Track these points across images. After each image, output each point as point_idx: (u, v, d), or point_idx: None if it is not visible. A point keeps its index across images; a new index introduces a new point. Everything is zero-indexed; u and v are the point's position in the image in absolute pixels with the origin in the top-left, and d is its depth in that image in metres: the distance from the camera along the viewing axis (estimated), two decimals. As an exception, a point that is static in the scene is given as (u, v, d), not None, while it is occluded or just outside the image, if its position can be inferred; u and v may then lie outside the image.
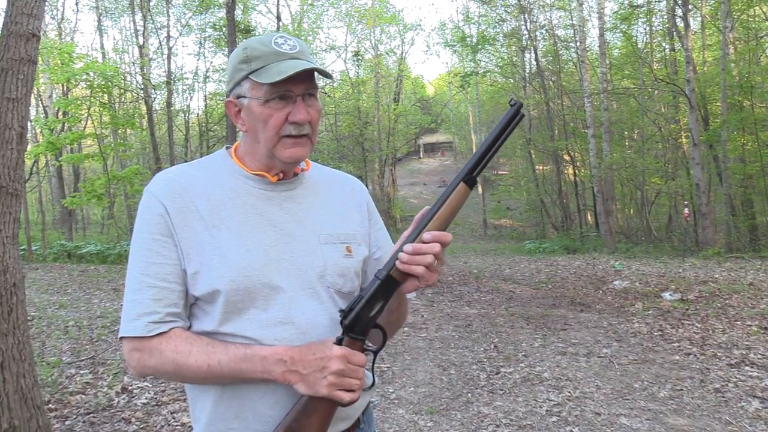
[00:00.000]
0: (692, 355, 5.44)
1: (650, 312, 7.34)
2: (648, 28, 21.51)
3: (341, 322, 1.13)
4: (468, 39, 27.30)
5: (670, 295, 8.31)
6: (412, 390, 4.71)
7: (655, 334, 6.27)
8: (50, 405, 4.31)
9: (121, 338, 1.14)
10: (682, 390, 4.48)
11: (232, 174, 1.23)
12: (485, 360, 5.51)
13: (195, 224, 1.14)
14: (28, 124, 3.25)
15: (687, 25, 14.60)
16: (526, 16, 22.95)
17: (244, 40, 1.23)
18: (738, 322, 6.55)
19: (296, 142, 1.18)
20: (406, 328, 6.83)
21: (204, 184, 1.20)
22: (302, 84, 1.17)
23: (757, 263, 11.35)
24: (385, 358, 5.63)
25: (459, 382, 4.87)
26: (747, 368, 4.94)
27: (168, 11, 21.70)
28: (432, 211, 1.14)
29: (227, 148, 1.31)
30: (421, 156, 57.25)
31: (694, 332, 6.24)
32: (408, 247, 1.10)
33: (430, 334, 6.62)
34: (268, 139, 1.17)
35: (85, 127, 18.73)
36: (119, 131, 21.80)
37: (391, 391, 4.70)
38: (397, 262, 1.11)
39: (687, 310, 7.34)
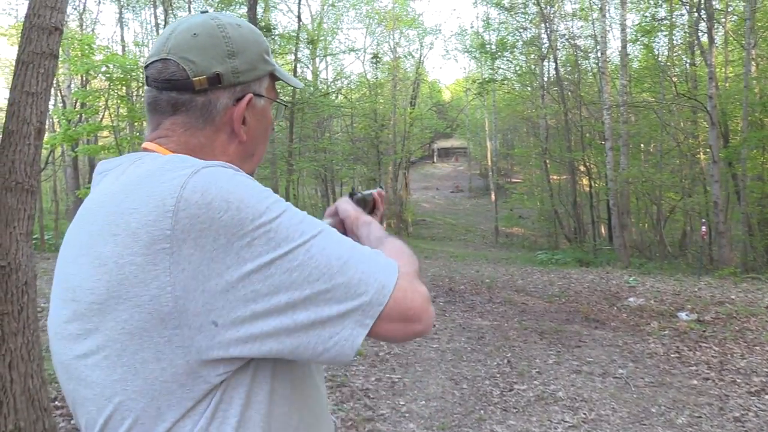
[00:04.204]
0: (710, 380, 5.31)
1: (666, 332, 7.19)
2: (669, 42, 21.32)
3: None
4: (487, 45, 27.21)
5: (687, 315, 8.15)
6: (424, 404, 4.62)
7: (672, 356, 6.13)
8: (57, 402, 4.26)
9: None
10: (700, 417, 4.36)
11: None
12: (498, 375, 5.40)
13: None
14: (48, 113, 3.21)
15: (711, 40, 14.40)
16: (547, 24, 22.79)
17: (249, 25, 1.02)
18: (757, 347, 6.39)
19: None
20: (417, 338, 6.72)
21: None
22: None
23: (774, 285, 11.13)
24: (396, 368, 5.54)
25: (471, 398, 4.77)
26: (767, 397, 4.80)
27: (189, 6, 21.75)
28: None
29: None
30: (435, 160, 57.19)
31: (712, 356, 6.09)
32: None
33: (442, 345, 6.52)
34: (262, 154, 1.03)
35: (102, 119, 18.77)
36: (136, 124, 21.86)
37: (402, 403, 4.61)
38: None
39: (704, 332, 7.18)
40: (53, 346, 0.87)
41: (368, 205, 1.41)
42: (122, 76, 15.39)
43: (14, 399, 2.79)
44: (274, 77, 1.02)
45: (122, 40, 24.78)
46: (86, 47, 14.43)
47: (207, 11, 1.00)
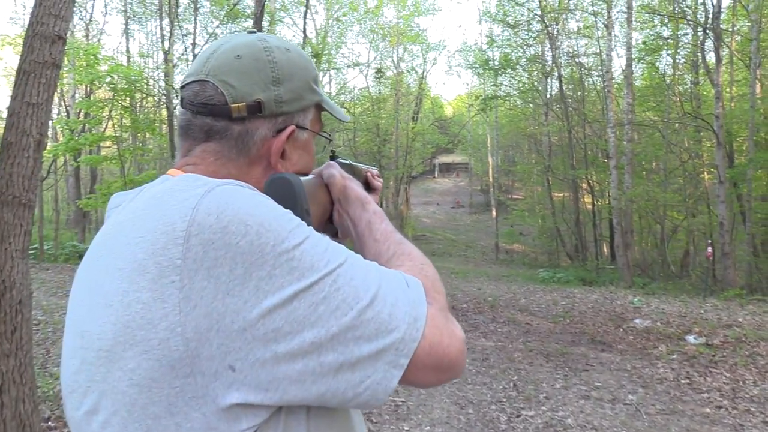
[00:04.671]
0: (723, 408, 5.16)
1: (675, 356, 7.04)
2: (673, 61, 21.32)
3: None
4: (491, 62, 27.24)
5: (695, 338, 8.00)
6: (429, 429, 4.47)
7: (683, 381, 5.98)
8: (50, 423, 4.11)
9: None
10: (716, 449, 4.21)
11: None
12: (504, 400, 5.25)
13: None
14: (49, 124, 3.10)
15: (718, 60, 14.36)
16: (551, 42, 22.81)
17: (299, 49, 0.92)
18: (769, 374, 6.24)
19: None
20: (420, 358, 6.58)
21: None
22: None
23: (781, 308, 10.99)
24: (399, 391, 5.38)
25: (478, 424, 4.62)
26: (784, 428, 4.65)
27: (195, 19, 21.79)
28: None
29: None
30: (436, 176, 57.20)
31: (724, 382, 5.94)
32: None
33: (445, 366, 6.36)
34: None
35: (105, 130, 18.74)
36: (139, 135, 21.82)
37: (406, 428, 4.46)
38: None
39: (714, 356, 7.03)
40: (64, 399, 0.75)
41: (357, 179, 1.12)
42: (126, 86, 15.37)
43: (4, 425, 2.65)
44: (320, 108, 0.94)
45: (127, 50, 24.80)
46: (91, 57, 14.40)
47: (255, 31, 0.90)
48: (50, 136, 20.81)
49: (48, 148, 17.63)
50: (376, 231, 0.93)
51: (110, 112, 17.05)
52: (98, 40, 23.22)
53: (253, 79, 0.82)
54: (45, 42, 2.89)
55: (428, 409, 4.93)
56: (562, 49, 24.00)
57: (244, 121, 0.82)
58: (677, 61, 21.16)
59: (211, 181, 0.70)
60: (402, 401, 5.10)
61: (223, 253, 0.63)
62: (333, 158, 1.09)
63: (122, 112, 16.62)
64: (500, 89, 27.27)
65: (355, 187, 1.00)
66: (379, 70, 31.06)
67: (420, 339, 0.71)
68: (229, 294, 0.63)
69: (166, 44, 19.50)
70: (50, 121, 20.96)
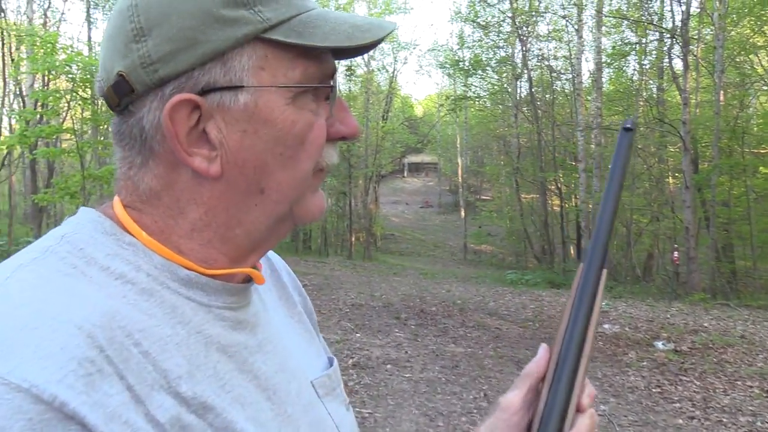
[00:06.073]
0: (696, 419, 5.08)
1: (645, 363, 6.98)
2: (639, 66, 21.59)
3: None
4: (461, 62, 27.23)
5: (663, 344, 7.97)
6: (397, 444, 4.27)
7: (654, 390, 5.90)
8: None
9: None
10: (692, 464, 4.10)
11: (153, 282, 0.55)
12: (475, 411, 5.08)
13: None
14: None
15: (686, 66, 14.51)
16: (522, 44, 22.87)
17: None
18: (738, 382, 6.21)
19: (323, 180, 0.64)
20: (388, 366, 6.38)
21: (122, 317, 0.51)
22: (333, 59, 0.61)
23: (744, 312, 11.12)
24: (366, 401, 5.17)
25: (448, 438, 4.44)
26: (758, 440, 4.58)
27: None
28: (578, 334, 0.60)
29: (96, 210, 0.60)
30: (405, 175, 57.21)
31: (695, 391, 5.88)
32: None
33: (414, 374, 6.17)
34: (300, 181, 0.59)
35: (63, 121, 18.06)
36: (100, 128, 21.15)
37: (373, 444, 4.25)
38: None
39: (683, 363, 6.99)
40: None
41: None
42: (87, 77, 14.80)
43: None
44: (277, 42, 0.55)
45: (89, 39, 23.98)
46: (48, 45, 13.81)
47: None
48: (5, 127, 20.05)
49: (1, 139, 16.93)
50: None
51: (68, 103, 16.41)
52: (57, 28, 22.44)
53: (115, 45, 0.56)
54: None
55: (396, 422, 4.72)
56: (533, 51, 24.10)
57: (128, 110, 0.56)
58: (644, 66, 21.43)
59: (18, 260, 0.52)
60: (369, 413, 4.89)
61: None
62: None
63: (81, 103, 16.01)
64: (470, 90, 27.32)
65: None
66: (349, 68, 30.74)
67: None
68: None
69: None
70: (4, 112, 20.15)
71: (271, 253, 0.79)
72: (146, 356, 0.49)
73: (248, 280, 0.64)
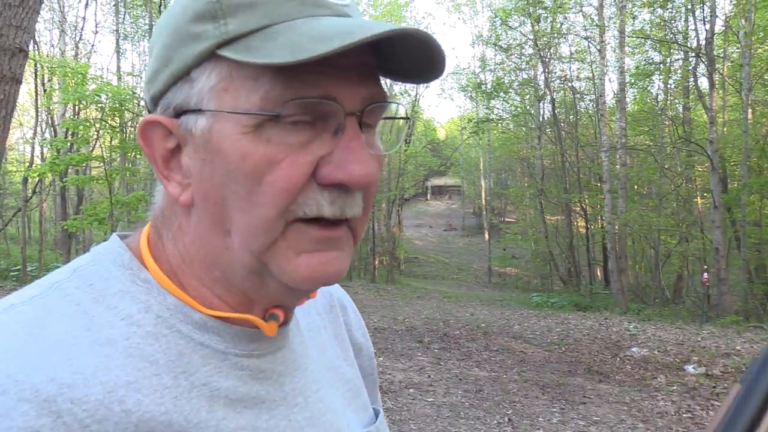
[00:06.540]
0: (729, 446, 4.90)
1: (675, 388, 6.79)
2: (665, 86, 21.41)
3: None
4: (483, 85, 27.30)
5: (694, 368, 7.76)
6: (419, 470, 4.19)
7: (684, 415, 5.73)
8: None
9: None
10: (725, 493, 3.94)
11: (162, 324, 0.52)
12: (499, 436, 4.99)
13: None
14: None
15: (712, 85, 14.35)
16: (544, 66, 22.87)
17: None
18: (773, 408, 6.00)
19: (329, 238, 0.51)
20: (411, 390, 6.31)
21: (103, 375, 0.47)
22: (362, 85, 0.50)
23: (779, 335, 10.79)
24: (388, 426, 5.10)
25: (471, 464, 4.35)
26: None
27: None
28: None
29: (122, 239, 0.58)
30: (428, 198, 57.19)
31: (727, 417, 5.69)
32: None
33: (437, 399, 6.09)
34: (260, 229, 0.49)
35: (93, 150, 18.49)
36: (128, 155, 21.62)
37: (394, 470, 4.18)
38: None
39: (714, 387, 6.79)
40: None
41: None
42: (116, 106, 15.17)
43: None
44: (235, 61, 0.47)
45: (118, 70, 24.67)
46: (79, 76, 14.23)
47: None
48: (38, 155, 20.58)
49: (33, 167, 17.38)
50: None
51: (98, 131, 16.82)
52: (88, 59, 23.08)
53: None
54: (4, 55, 2.67)
55: (418, 447, 4.66)
56: (555, 73, 24.07)
57: None
58: (669, 86, 21.25)
59: (6, 300, 0.50)
60: (391, 438, 4.82)
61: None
62: None
63: (110, 131, 16.40)
64: (493, 112, 27.31)
65: None
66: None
67: None
68: None
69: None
70: (37, 140, 20.67)
71: (336, 287, 0.74)
72: (129, 414, 0.46)
73: (285, 322, 0.59)
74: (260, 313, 0.55)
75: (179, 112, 0.51)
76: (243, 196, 0.48)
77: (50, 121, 20.79)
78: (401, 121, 0.59)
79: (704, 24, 15.57)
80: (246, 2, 0.47)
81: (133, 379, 0.47)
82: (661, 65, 19.01)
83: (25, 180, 17.60)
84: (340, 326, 0.72)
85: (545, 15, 21.51)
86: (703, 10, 15.69)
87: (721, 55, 17.91)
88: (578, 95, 23.93)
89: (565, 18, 22.47)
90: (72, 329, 0.47)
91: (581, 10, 21.47)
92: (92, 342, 0.47)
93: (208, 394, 0.51)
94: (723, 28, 17.34)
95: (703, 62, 14.94)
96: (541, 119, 25.98)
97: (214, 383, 0.51)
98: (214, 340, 0.53)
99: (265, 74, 0.47)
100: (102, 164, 16.31)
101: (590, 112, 23.76)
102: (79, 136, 15.73)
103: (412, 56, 0.49)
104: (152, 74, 0.53)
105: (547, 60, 22.62)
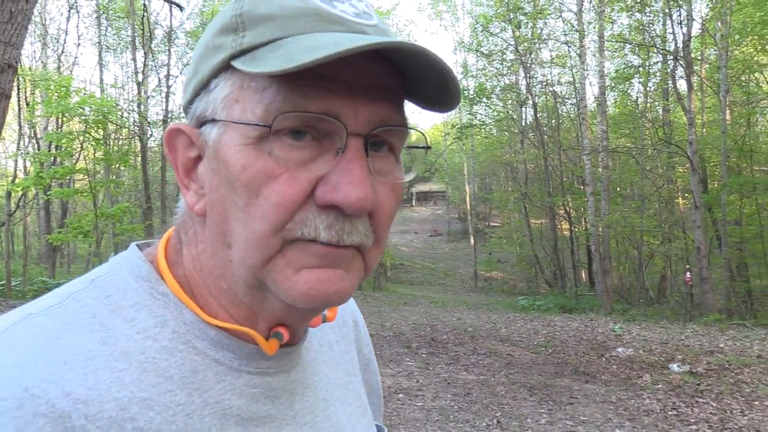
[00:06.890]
0: (713, 441, 5.01)
1: (660, 386, 6.90)
2: (644, 89, 21.73)
3: None
4: (465, 91, 27.50)
5: (678, 366, 7.89)
6: (410, 473, 4.24)
7: (670, 413, 5.83)
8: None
9: None
10: (709, 486, 4.04)
11: (178, 340, 0.52)
12: (488, 438, 5.05)
13: None
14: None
15: (690, 87, 14.60)
16: (525, 71, 23.12)
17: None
18: (756, 402, 6.13)
19: (333, 255, 0.49)
20: (400, 395, 6.36)
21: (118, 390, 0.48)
22: (371, 106, 0.48)
23: (761, 332, 10.97)
24: None
25: (461, 466, 4.41)
26: (776, 461, 4.51)
27: (170, 50, 21.68)
28: None
29: (141, 248, 0.59)
30: (414, 204, 57.32)
31: (711, 413, 5.81)
32: None
33: (426, 403, 6.15)
34: (255, 242, 0.48)
35: (76, 162, 18.38)
36: (112, 167, 21.50)
37: (386, 473, 4.23)
38: None
39: (699, 385, 6.91)
40: None
41: None
42: (99, 118, 15.12)
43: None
44: (246, 73, 0.48)
45: (101, 82, 24.56)
46: (62, 89, 14.17)
47: None
48: (20, 169, 20.39)
49: (17, 181, 17.23)
50: None
51: (81, 144, 16.73)
52: (70, 72, 22.95)
53: None
54: (-7, 71, 2.71)
55: (409, 451, 4.71)
56: (536, 77, 24.34)
57: None
58: (648, 89, 21.57)
59: (16, 312, 0.49)
60: (382, 443, 4.87)
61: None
62: None
63: (94, 144, 16.32)
64: (476, 118, 27.50)
65: None
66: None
67: None
68: None
69: (140, 76, 19.33)
70: (20, 154, 20.49)
71: (351, 303, 0.73)
72: None
73: (293, 341, 0.58)
74: (265, 330, 0.55)
75: (200, 122, 0.52)
76: (242, 207, 0.48)
77: (33, 135, 20.66)
78: (422, 150, 0.59)
79: (681, 27, 15.85)
80: (265, 16, 0.48)
81: (146, 396, 0.47)
82: (640, 68, 19.29)
83: (9, 194, 17.44)
84: (351, 342, 0.72)
85: (525, 21, 21.76)
86: (680, 13, 15.98)
87: (699, 58, 18.22)
88: (559, 99, 24.19)
89: (545, 23, 22.77)
90: (88, 342, 0.47)
91: (561, 16, 21.76)
92: (108, 356, 0.47)
93: (220, 412, 0.51)
94: (700, 31, 17.66)
95: (681, 65, 15.21)
96: (523, 124, 26.23)
97: (227, 401, 0.52)
98: (228, 357, 0.53)
99: (271, 86, 0.47)
100: (86, 177, 16.23)
101: (572, 115, 24.04)
102: (63, 149, 15.64)
103: (434, 81, 0.49)
104: (185, 85, 0.56)
105: (528, 65, 22.87)
